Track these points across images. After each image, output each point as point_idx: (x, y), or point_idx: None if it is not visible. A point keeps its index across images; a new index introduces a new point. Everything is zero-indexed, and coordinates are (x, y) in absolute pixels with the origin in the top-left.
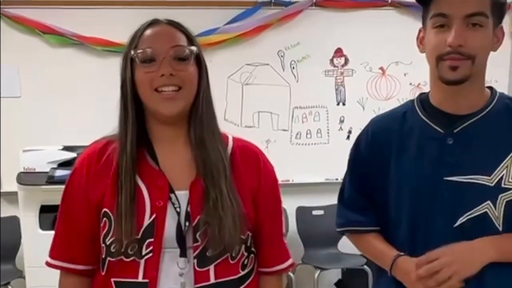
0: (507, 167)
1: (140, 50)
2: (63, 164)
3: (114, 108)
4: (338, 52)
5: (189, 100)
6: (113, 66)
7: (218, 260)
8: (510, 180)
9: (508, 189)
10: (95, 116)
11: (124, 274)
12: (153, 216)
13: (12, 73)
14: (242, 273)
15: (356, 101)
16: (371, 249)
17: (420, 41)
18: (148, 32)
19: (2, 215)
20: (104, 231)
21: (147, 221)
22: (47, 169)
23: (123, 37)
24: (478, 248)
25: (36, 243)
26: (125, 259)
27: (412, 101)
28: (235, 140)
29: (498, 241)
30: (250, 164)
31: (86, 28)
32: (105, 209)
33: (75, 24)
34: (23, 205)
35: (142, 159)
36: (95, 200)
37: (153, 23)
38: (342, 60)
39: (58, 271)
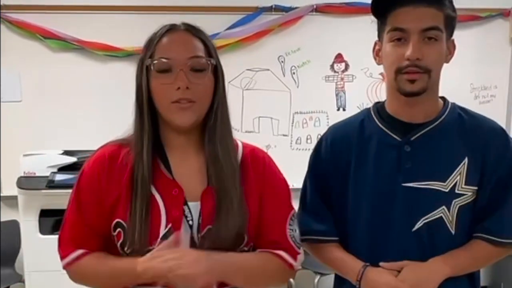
0: (460, 173)
1: (156, 60)
2: (63, 169)
3: (115, 112)
4: (339, 57)
5: (202, 112)
6: (114, 71)
7: None
8: (464, 186)
9: (462, 195)
10: (96, 121)
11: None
12: (169, 226)
13: (13, 77)
14: None
15: (356, 106)
16: (334, 260)
17: (377, 53)
18: (165, 40)
19: (2, 219)
20: (120, 241)
21: (163, 231)
22: (47, 174)
23: (124, 42)
24: (434, 269)
25: (36, 247)
26: None
27: (368, 109)
28: (244, 146)
29: (450, 259)
30: (258, 169)
31: (87, 33)
32: (118, 220)
33: (76, 29)
34: (23, 209)
35: (155, 166)
36: (108, 204)
37: (171, 29)
38: (343, 65)
39: (57, 277)
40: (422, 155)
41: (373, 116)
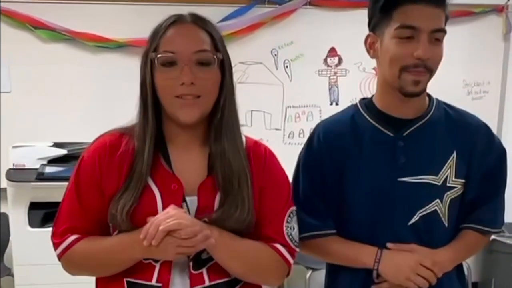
0: (450, 167)
1: (160, 54)
2: (53, 161)
3: (106, 104)
4: (332, 51)
5: (208, 108)
6: (105, 62)
7: (210, 263)
8: (454, 179)
9: (452, 188)
10: (87, 113)
11: (138, 276)
12: None
13: (2, 68)
14: None
15: (349, 101)
16: (341, 250)
17: (370, 46)
18: (170, 32)
19: None
20: (116, 233)
21: None
22: (37, 166)
23: (114, 33)
24: (443, 259)
25: (25, 240)
26: (143, 261)
27: (355, 105)
28: (247, 139)
29: (454, 253)
30: (259, 163)
31: (78, 24)
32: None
33: (67, 19)
34: (12, 202)
35: (155, 160)
36: (108, 194)
37: (176, 21)
38: (336, 60)
39: (46, 270)
40: (415, 150)
41: (362, 112)
